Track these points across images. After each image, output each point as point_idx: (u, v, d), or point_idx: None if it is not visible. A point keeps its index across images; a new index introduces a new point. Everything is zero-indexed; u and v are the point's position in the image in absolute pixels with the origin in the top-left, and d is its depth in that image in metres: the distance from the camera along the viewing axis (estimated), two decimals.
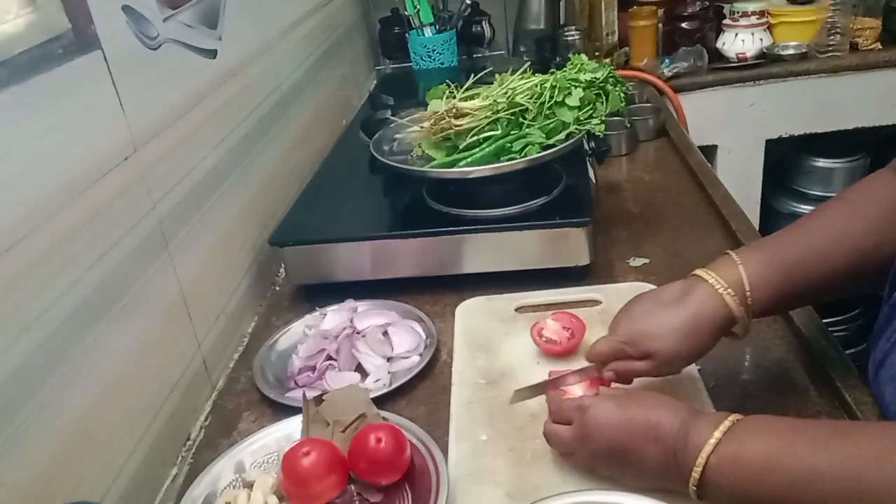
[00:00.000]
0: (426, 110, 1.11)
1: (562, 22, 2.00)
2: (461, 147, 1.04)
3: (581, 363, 0.85)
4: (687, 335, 0.69)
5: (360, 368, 0.91)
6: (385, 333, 0.93)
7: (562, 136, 1.01)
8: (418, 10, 1.84)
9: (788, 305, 0.75)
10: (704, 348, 0.70)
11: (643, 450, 0.62)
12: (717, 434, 0.58)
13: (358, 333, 0.94)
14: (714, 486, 0.59)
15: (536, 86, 1.03)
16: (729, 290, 0.69)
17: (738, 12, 1.97)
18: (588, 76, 1.02)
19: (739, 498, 0.58)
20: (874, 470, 0.52)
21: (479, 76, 1.14)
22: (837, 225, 0.72)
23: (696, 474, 0.58)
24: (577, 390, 0.75)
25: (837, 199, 0.76)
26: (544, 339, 0.87)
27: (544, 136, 1.01)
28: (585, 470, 0.69)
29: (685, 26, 2.02)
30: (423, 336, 0.94)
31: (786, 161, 2.19)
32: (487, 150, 1.02)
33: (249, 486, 0.71)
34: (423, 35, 1.87)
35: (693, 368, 0.81)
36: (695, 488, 0.59)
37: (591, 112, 1.02)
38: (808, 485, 0.54)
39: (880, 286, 0.72)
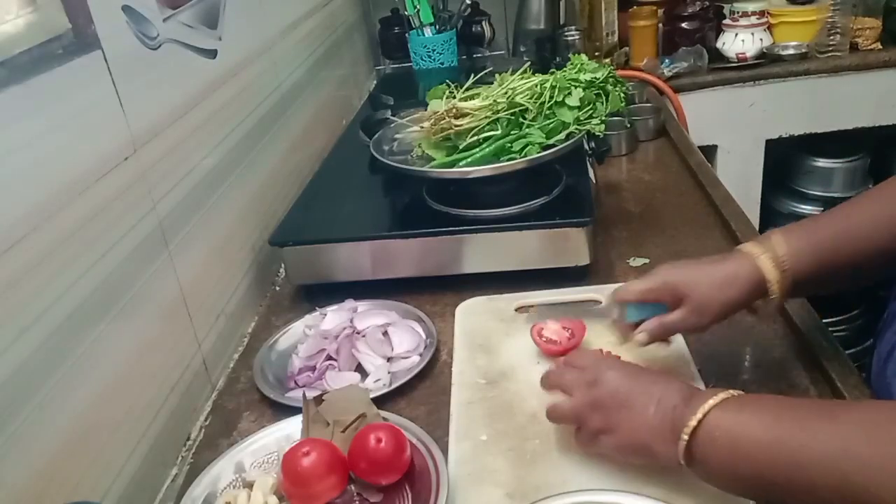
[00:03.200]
0: (426, 110, 1.11)
1: (562, 22, 2.00)
2: (461, 147, 1.04)
3: None
4: (721, 286, 0.71)
5: (360, 368, 0.91)
6: (385, 333, 0.93)
7: (562, 136, 1.01)
8: (418, 10, 1.84)
9: (824, 281, 0.74)
10: (736, 303, 0.72)
11: (644, 404, 0.63)
12: (713, 402, 0.59)
13: (358, 333, 0.94)
14: (702, 453, 0.59)
15: (536, 86, 1.03)
16: (764, 255, 0.71)
17: (738, 12, 1.97)
18: (588, 76, 1.02)
19: (727, 469, 0.58)
20: (870, 441, 0.51)
21: (479, 76, 1.14)
22: (875, 205, 0.74)
23: (685, 435, 0.59)
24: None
25: (881, 184, 0.77)
26: (544, 339, 0.87)
27: (544, 136, 1.01)
28: (573, 419, 0.69)
29: (685, 26, 2.02)
30: (423, 336, 0.94)
31: (786, 161, 2.19)
32: (487, 150, 1.02)
33: (249, 486, 0.71)
34: (423, 35, 1.87)
35: (693, 368, 0.81)
36: (685, 441, 0.59)
37: (591, 112, 1.02)
38: (803, 467, 0.53)
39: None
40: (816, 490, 0.52)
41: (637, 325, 0.76)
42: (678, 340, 0.86)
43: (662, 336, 0.75)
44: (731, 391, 0.60)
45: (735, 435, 0.57)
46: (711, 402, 0.59)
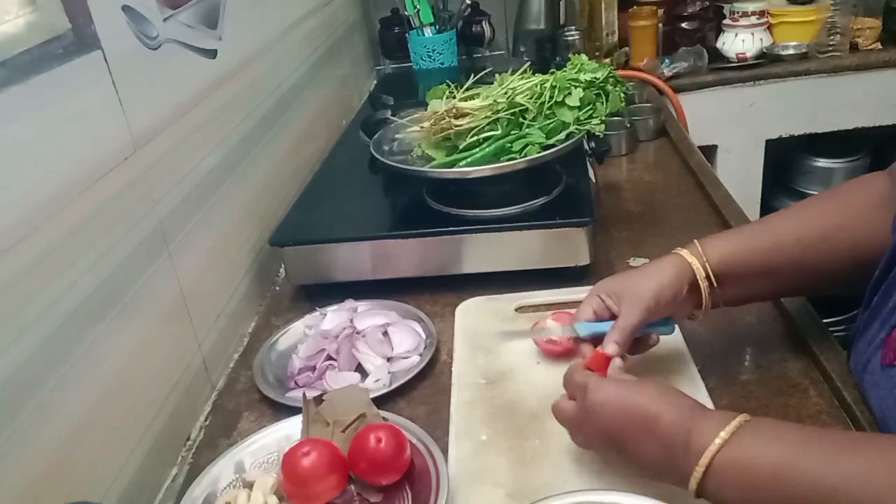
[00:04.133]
0: (426, 110, 1.10)
1: (562, 22, 2.00)
2: (461, 147, 1.04)
3: None
4: (648, 275, 0.76)
5: (360, 368, 0.91)
6: (385, 333, 0.93)
7: (562, 136, 1.01)
8: (418, 10, 1.84)
9: (748, 283, 0.77)
10: (668, 287, 0.74)
11: (638, 440, 0.61)
12: (724, 435, 0.57)
13: (358, 333, 0.94)
14: (716, 488, 0.57)
15: (536, 86, 1.03)
16: (684, 250, 0.77)
17: (738, 12, 1.97)
18: (588, 76, 1.02)
19: (742, 501, 0.57)
20: (889, 490, 0.50)
21: (479, 76, 1.14)
22: (793, 218, 0.79)
23: (697, 474, 0.57)
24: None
25: (808, 199, 0.82)
26: (544, 339, 0.87)
27: (544, 136, 1.01)
28: (588, 448, 0.69)
29: (685, 26, 2.02)
30: (423, 336, 0.94)
31: (786, 161, 2.19)
32: (487, 150, 1.02)
33: (249, 486, 0.71)
34: (423, 35, 1.87)
35: (693, 369, 0.81)
36: (695, 486, 0.58)
37: (591, 112, 1.02)
38: (818, 499, 0.52)
39: (845, 284, 0.76)
40: None
41: (594, 340, 0.75)
42: (678, 340, 0.86)
43: (625, 338, 0.73)
44: (732, 423, 0.57)
45: (747, 469, 0.56)
46: (718, 441, 0.56)
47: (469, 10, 1.95)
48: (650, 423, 0.60)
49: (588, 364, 0.72)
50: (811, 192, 2.15)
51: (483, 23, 2.00)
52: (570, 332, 0.77)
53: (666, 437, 0.59)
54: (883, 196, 0.74)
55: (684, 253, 0.76)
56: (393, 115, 1.29)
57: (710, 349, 0.86)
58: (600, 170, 1.32)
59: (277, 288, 1.16)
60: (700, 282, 0.75)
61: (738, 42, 1.97)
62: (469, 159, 1.03)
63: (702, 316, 0.79)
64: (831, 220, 0.76)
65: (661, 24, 2.04)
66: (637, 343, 0.76)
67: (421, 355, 0.91)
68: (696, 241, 0.78)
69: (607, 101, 1.03)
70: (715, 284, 0.75)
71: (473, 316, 0.97)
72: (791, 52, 1.97)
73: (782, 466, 0.54)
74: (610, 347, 0.72)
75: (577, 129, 1.01)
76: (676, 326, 0.80)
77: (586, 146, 1.20)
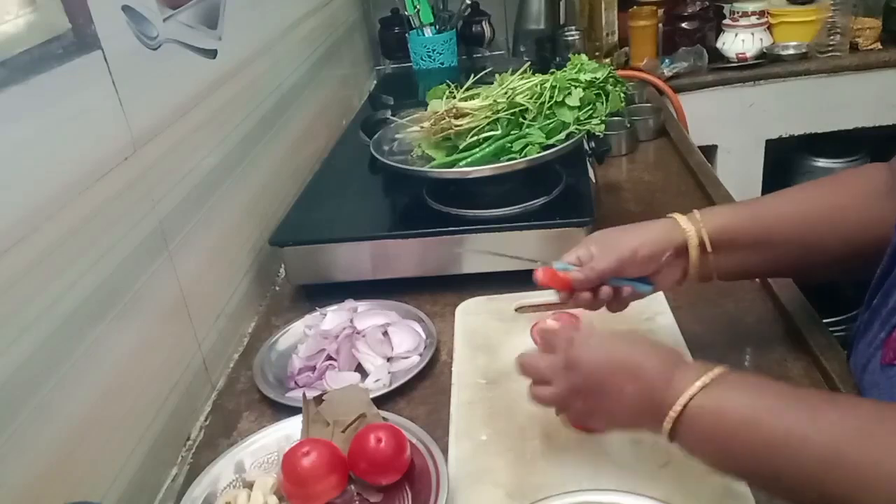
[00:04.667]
0: (426, 110, 1.11)
1: (562, 22, 2.00)
2: (461, 147, 1.04)
3: None
4: (634, 229, 0.77)
5: (360, 368, 0.91)
6: (385, 333, 0.93)
7: (562, 136, 1.01)
8: (418, 10, 1.84)
9: (743, 255, 0.76)
10: (652, 243, 0.74)
11: (620, 386, 0.62)
12: (704, 379, 0.58)
13: (358, 333, 0.94)
14: (688, 430, 0.58)
15: (536, 86, 1.03)
16: (682, 217, 0.76)
17: (738, 12, 1.97)
18: (588, 76, 1.02)
19: (711, 448, 0.58)
20: (856, 442, 0.51)
21: (479, 76, 1.14)
22: (802, 190, 0.79)
23: (673, 413, 0.58)
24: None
25: (813, 181, 0.81)
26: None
27: (544, 136, 1.01)
28: (557, 406, 0.68)
29: (685, 26, 2.02)
30: (423, 336, 0.94)
31: (786, 161, 2.19)
32: (487, 150, 1.02)
33: (249, 486, 0.71)
34: (423, 35, 1.87)
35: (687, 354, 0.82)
36: (669, 426, 0.58)
37: (591, 112, 1.02)
38: (785, 447, 0.53)
39: (842, 271, 0.77)
40: (801, 474, 0.52)
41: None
42: (677, 339, 0.86)
43: (588, 276, 0.74)
44: (714, 370, 0.58)
45: (718, 414, 0.56)
46: (692, 390, 0.57)
47: (469, 10, 1.95)
48: (634, 370, 0.62)
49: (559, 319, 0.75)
50: None
51: (483, 23, 2.00)
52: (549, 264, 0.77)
53: (647, 381, 0.61)
54: (883, 185, 0.74)
55: (680, 219, 0.76)
56: (393, 115, 1.29)
57: (711, 349, 0.86)
58: (600, 170, 1.32)
59: (277, 288, 1.16)
60: (690, 249, 0.75)
61: (738, 42, 1.97)
62: (469, 159, 1.03)
63: (683, 284, 0.78)
64: (832, 200, 0.76)
65: (661, 24, 2.04)
66: (614, 299, 0.76)
67: (421, 355, 0.91)
68: (695, 210, 0.77)
69: (607, 101, 1.03)
70: (710, 250, 0.75)
71: (473, 316, 0.97)
72: (791, 52, 1.97)
73: (754, 413, 0.55)
74: (573, 274, 0.74)
75: (577, 129, 1.01)
76: (666, 302, 0.80)
77: (586, 146, 1.20)
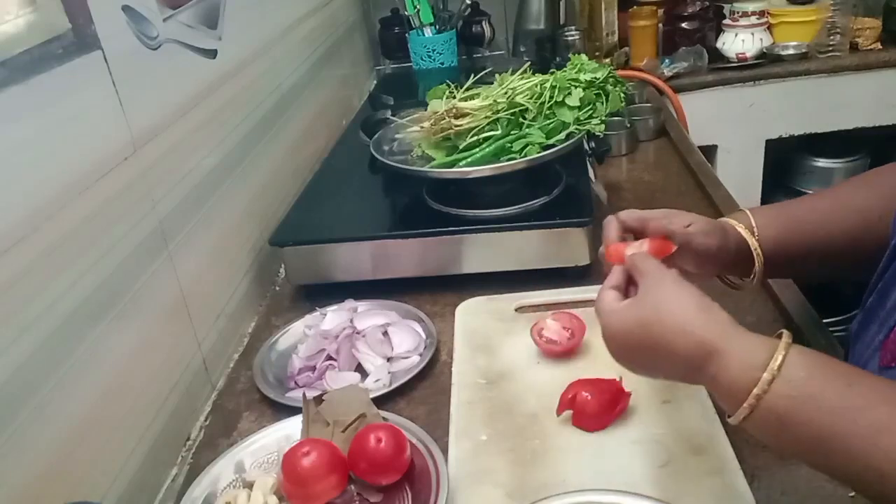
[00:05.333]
0: (426, 110, 1.11)
1: (562, 22, 2.00)
2: (461, 147, 1.04)
3: (581, 363, 0.85)
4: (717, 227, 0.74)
5: (360, 368, 0.91)
6: (385, 333, 0.93)
7: (562, 136, 1.01)
8: (418, 10, 1.84)
9: (795, 260, 0.76)
10: (728, 249, 0.73)
11: (676, 335, 0.60)
12: (767, 376, 0.54)
13: (358, 333, 0.94)
14: (760, 419, 0.54)
15: (536, 86, 1.03)
16: (740, 224, 0.75)
17: (738, 12, 1.97)
18: (588, 76, 1.02)
19: (784, 435, 0.54)
20: None
21: (479, 76, 1.14)
22: (845, 192, 0.79)
23: (747, 407, 0.54)
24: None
25: (855, 177, 0.80)
26: (544, 339, 0.87)
27: (544, 136, 1.01)
28: (618, 325, 0.65)
29: (685, 26, 2.02)
30: (423, 336, 0.94)
31: (786, 161, 2.19)
32: (487, 150, 1.02)
33: (249, 486, 0.71)
34: (423, 35, 1.87)
35: None
36: (741, 417, 0.55)
37: (591, 112, 1.02)
38: (861, 436, 0.50)
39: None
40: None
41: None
42: None
43: (630, 216, 0.76)
44: (779, 353, 0.55)
45: (791, 408, 0.53)
46: (768, 375, 0.54)
47: (469, 10, 1.95)
48: (680, 325, 0.61)
49: (649, 249, 0.72)
50: (811, 192, 2.14)
51: (483, 23, 2.00)
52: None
53: (705, 341, 0.60)
54: None
55: (740, 228, 0.75)
56: (393, 115, 1.29)
57: None
58: (600, 170, 1.32)
59: (277, 288, 1.16)
60: (753, 251, 0.74)
61: (738, 42, 1.97)
62: (469, 159, 1.03)
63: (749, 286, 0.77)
64: (872, 204, 0.74)
65: (661, 24, 2.04)
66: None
67: (421, 355, 0.91)
68: (752, 214, 0.76)
69: (607, 101, 1.03)
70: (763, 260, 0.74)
71: (473, 316, 0.97)
72: (791, 52, 1.97)
73: (826, 405, 0.52)
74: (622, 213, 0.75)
75: (577, 129, 1.01)
76: None
77: (586, 146, 1.20)
